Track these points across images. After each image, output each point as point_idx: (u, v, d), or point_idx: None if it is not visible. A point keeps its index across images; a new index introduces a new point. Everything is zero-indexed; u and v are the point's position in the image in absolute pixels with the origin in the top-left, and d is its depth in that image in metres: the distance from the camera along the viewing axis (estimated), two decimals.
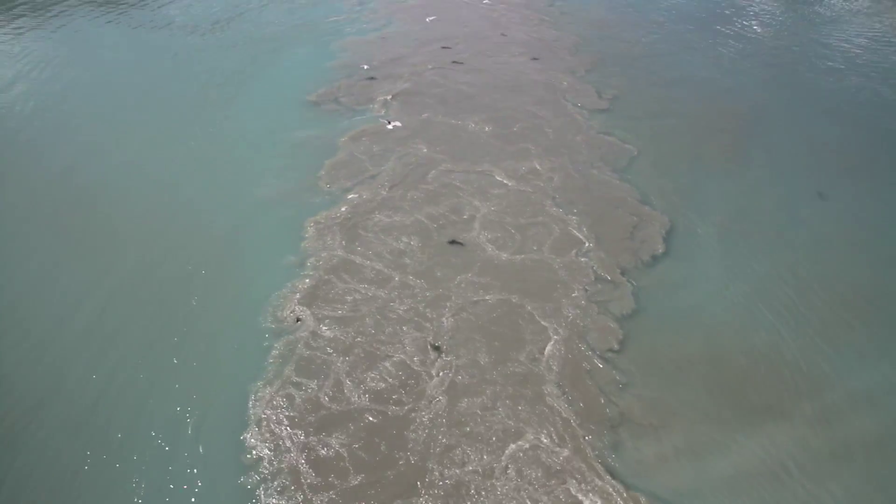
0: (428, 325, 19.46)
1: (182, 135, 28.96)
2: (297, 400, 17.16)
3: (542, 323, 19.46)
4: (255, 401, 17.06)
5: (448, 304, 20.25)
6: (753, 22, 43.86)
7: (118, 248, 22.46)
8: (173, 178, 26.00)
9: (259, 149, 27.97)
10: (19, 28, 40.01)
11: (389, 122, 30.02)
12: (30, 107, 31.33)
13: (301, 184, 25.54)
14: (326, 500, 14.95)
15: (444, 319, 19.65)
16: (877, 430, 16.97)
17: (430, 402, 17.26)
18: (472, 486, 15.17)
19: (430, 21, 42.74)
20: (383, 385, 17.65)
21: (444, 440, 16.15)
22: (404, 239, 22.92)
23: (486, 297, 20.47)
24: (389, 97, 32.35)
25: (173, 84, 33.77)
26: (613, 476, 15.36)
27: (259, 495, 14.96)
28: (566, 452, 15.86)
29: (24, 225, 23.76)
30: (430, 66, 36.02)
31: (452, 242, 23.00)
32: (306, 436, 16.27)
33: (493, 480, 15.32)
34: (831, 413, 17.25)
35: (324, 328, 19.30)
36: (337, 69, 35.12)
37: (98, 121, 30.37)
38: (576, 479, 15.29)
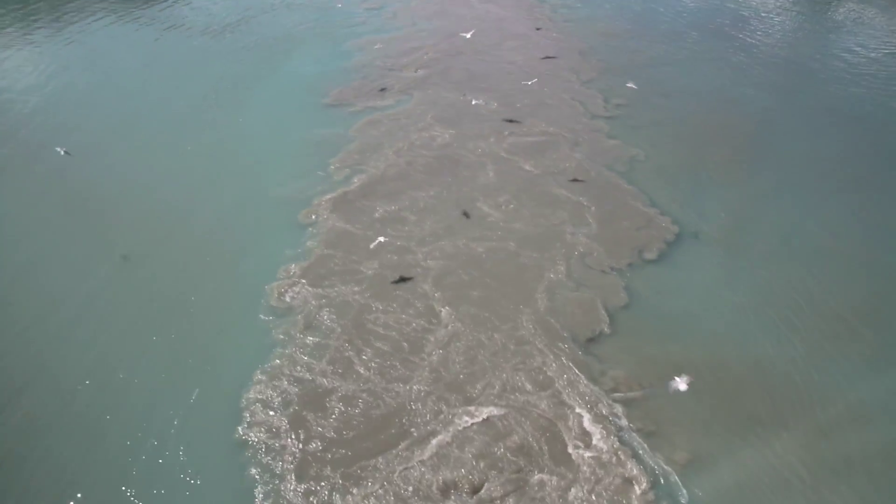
0: (426, 286, 21.17)
1: (192, 135, 29.85)
2: (297, 372, 18.25)
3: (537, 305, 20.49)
4: (254, 380, 17.90)
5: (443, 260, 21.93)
6: (759, 32, 44.63)
7: (117, 239, 23.36)
8: (179, 175, 26.96)
9: (272, 146, 28.95)
10: (35, 27, 40.87)
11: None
12: (38, 104, 32.14)
13: (311, 172, 26.80)
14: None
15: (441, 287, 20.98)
16: (876, 441, 16.97)
17: (427, 365, 18.34)
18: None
19: (440, 23, 43.67)
20: (387, 344, 19.17)
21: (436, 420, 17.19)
22: (409, 209, 24.80)
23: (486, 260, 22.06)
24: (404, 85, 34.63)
25: (186, 85, 34.55)
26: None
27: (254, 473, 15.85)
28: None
29: (25, 215, 24.60)
30: (444, 56, 38.28)
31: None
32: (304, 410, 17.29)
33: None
34: (831, 425, 17.30)
35: (323, 299, 20.62)
36: (353, 70, 36.14)
37: (107, 119, 31.19)
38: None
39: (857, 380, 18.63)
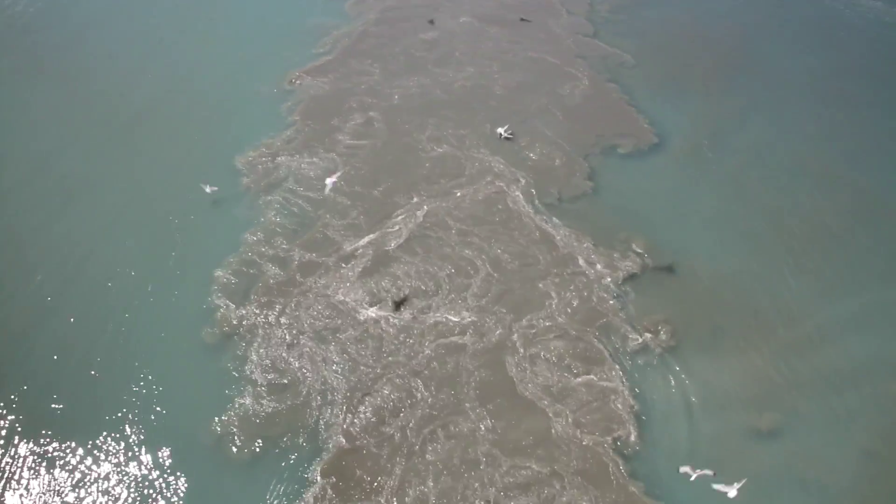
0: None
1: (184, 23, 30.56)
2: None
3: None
4: (224, 260, 19.25)
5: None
6: None
7: (98, 111, 24.31)
8: (174, 53, 28.12)
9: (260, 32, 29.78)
10: None
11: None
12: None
13: (297, 51, 27.99)
14: None
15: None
16: (861, 352, 17.85)
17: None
18: None
19: None
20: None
21: None
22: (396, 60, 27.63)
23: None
24: None
25: None
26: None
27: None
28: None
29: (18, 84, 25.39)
30: None
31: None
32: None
33: None
34: (802, 338, 18.24)
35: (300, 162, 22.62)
36: None
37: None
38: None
39: (836, 294, 19.40)
